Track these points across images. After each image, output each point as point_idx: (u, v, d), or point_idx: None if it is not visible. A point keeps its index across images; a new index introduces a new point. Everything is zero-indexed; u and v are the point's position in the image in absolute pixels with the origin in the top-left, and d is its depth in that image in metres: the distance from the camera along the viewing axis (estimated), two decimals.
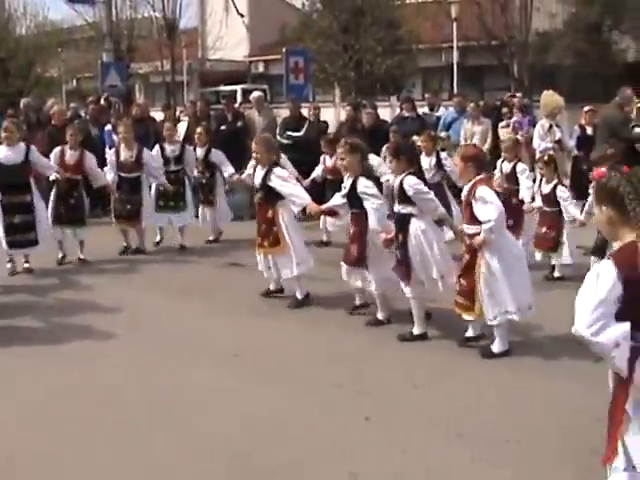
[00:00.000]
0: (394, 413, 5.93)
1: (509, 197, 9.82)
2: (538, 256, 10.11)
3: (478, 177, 7.01)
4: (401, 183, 7.49)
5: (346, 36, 27.63)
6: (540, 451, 5.26)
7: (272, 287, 9.30)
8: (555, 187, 10.01)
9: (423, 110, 16.15)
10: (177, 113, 20.24)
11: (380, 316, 8.12)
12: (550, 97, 14.13)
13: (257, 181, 8.96)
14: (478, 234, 6.94)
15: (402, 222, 7.57)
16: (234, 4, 37.94)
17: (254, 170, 9.15)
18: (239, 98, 28.85)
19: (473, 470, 5.05)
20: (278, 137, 14.39)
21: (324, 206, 8.74)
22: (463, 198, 7.18)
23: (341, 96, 29.28)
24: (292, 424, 5.73)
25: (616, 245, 3.79)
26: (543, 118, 14.02)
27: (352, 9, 27.37)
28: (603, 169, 4.23)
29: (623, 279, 3.57)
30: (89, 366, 6.96)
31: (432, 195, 7.64)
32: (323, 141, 12.20)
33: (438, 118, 15.50)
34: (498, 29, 28.37)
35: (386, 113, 16.58)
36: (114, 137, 13.81)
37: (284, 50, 21.69)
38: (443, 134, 14.84)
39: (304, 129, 14.81)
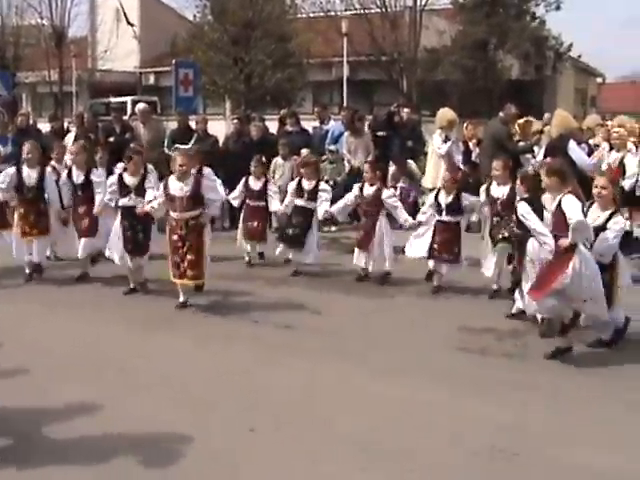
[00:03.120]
0: (281, 424, 5.91)
1: None
2: None
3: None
4: None
5: (236, 49, 27.60)
6: (440, 462, 5.34)
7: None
8: (379, 190, 10.43)
9: (313, 124, 16.23)
10: (65, 124, 19.83)
11: None
12: (445, 111, 14.55)
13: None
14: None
15: None
16: (125, 14, 37.44)
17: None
18: (129, 110, 28.46)
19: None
20: (166, 150, 14.26)
21: None
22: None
23: (231, 109, 29.19)
24: (172, 436, 5.66)
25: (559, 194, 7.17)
26: (437, 130, 14.37)
27: (243, 22, 27.34)
28: (553, 160, 7.91)
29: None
30: None
31: None
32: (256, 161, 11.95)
33: (327, 131, 15.59)
34: (388, 45, 28.80)
35: (276, 126, 16.54)
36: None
37: (173, 62, 21.58)
38: (332, 147, 14.97)
39: (192, 142, 14.71)
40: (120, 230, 9.84)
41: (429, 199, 10.27)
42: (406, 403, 6.34)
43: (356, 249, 10.59)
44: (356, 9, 29.42)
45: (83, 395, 6.39)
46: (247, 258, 11.65)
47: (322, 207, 10.79)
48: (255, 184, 11.63)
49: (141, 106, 16.56)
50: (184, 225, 8.97)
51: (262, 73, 27.24)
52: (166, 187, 9.13)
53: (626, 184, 11.61)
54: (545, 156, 12.32)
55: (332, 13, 29.69)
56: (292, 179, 12.33)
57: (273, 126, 16.62)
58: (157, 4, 38.59)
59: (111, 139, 14.94)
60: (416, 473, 5.17)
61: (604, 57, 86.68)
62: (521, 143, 13.97)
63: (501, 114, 14.02)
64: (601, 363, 7.27)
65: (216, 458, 5.36)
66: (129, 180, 9.87)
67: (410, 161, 15.32)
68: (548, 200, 7.69)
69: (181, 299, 9.20)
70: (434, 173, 14.04)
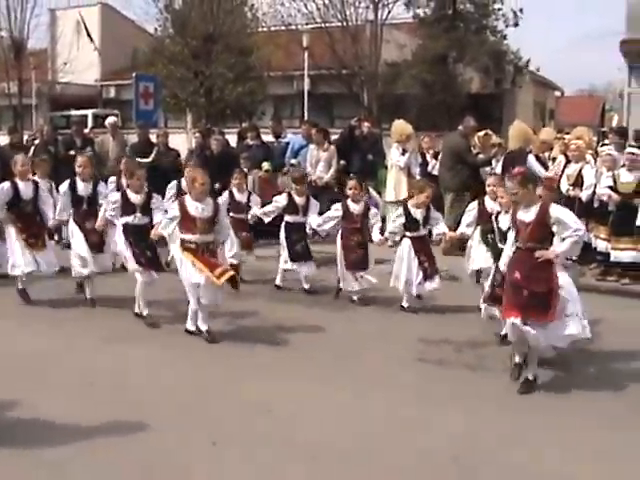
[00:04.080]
0: (244, 437, 5.91)
1: None
2: None
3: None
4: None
5: (197, 62, 27.54)
6: (387, 468, 5.37)
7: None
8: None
9: (269, 138, 16.23)
10: (25, 137, 19.68)
11: None
12: (401, 124, 14.66)
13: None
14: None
15: None
16: (85, 27, 37.31)
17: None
18: (90, 123, 28.33)
19: None
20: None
21: None
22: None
23: (192, 122, 29.13)
24: (134, 449, 5.63)
25: (534, 205, 6.94)
26: (394, 144, 14.49)
27: (203, 35, 27.29)
28: (521, 168, 7.40)
29: None
30: None
31: None
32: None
33: (287, 144, 15.62)
34: (349, 58, 28.88)
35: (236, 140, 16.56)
36: None
37: (134, 75, 21.52)
38: (293, 161, 15.00)
39: (152, 155, 14.69)
40: (127, 247, 9.32)
41: (398, 214, 10.22)
42: (363, 414, 6.37)
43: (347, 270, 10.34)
44: (317, 23, 29.49)
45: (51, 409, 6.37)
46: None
47: (314, 220, 10.80)
48: (241, 197, 11.59)
49: (111, 120, 16.58)
50: (205, 249, 8.47)
51: (223, 87, 27.21)
52: (183, 207, 8.54)
53: (584, 195, 11.75)
54: (503, 168, 12.47)
55: (293, 27, 29.71)
56: (252, 192, 12.37)
57: (234, 140, 16.62)
58: (118, 17, 38.45)
59: (72, 152, 14.86)
60: None
61: (562, 71, 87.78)
62: (480, 156, 14.13)
63: (460, 127, 14.19)
64: (558, 374, 7.38)
65: (178, 470, 5.37)
66: (134, 198, 9.41)
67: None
68: (517, 213, 7.10)
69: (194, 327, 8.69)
70: (395, 186, 14.15)
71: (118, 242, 9.52)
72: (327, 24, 29.24)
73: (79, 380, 7.17)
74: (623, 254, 11.53)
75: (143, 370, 7.56)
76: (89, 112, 31.44)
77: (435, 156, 14.80)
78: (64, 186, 10.19)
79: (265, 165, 14.41)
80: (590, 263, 11.96)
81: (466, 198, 12.58)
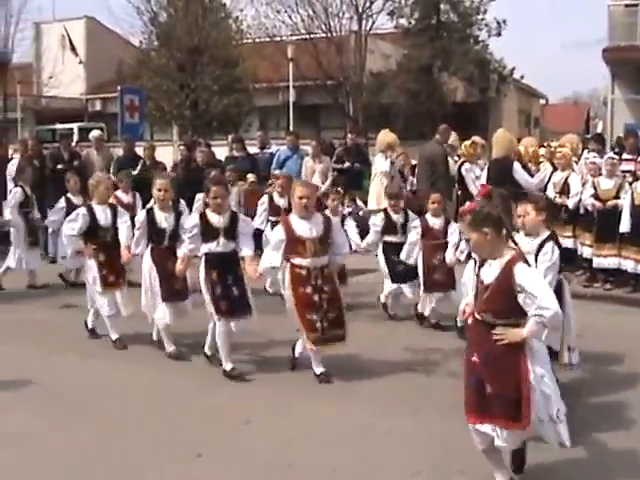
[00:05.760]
0: (226, 448, 5.91)
1: None
2: None
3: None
4: None
5: (183, 75, 27.56)
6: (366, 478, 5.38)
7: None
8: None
9: (254, 149, 16.23)
10: (10, 152, 19.61)
11: None
12: (385, 134, 14.72)
13: (107, 221, 8.99)
14: None
15: None
16: (70, 40, 37.26)
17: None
18: (75, 136, 28.25)
19: None
20: (112, 177, 14.15)
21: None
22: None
23: (178, 135, 29.12)
24: (117, 461, 5.62)
25: (499, 259, 4.87)
26: (379, 154, 14.52)
27: (189, 48, 27.30)
28: (473, 204, 5.64)
29: None
30: None
31: None
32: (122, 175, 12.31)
33: (272, 155, 15.63)
34: (334, 69, 29.00)
35: (223, 152, 16.55)
36: None
37: (119, 88, 21.54)
38: (277, 172, 14.97)
39: (138, 168, 14.67)
40: (207, 286, 7.65)
41: (377, 221, 10.20)
42: (347, 425, 6.38)
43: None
44: (302, 34, 29.59)
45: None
46: None
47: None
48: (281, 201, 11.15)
49: (96, 133, 16.59)
50: (319, 274, 7.48)
51: (209, 99, 27.21)
52: (289, 227, 7.50)
53: (570, 203, 11.83)
54: (488, 176, 12.52)
55: (278, 38, 29.78)
56: (239, 204, 12.37)
57: (220, 152, 16.61)
58: (103, 30, 38.35)
59: (59, 166, 14.84)
60: None
61: (546, 79, 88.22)
62: (467, 164, 14.09)
63: (437, 136, 14.14)
64: None
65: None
66: (216, 220, 7.72)
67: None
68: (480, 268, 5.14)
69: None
70: (378, 195, 14.17)
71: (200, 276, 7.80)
72: (312, 35, 29.36)
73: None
74: (606, 260, 11.64)
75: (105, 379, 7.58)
76: (75, 126, 31.34)
77: (412, 172, 14.90)
78: (141, 215, 8.65)
79: (250, 177, 14.40)
80: (577, 270, 12.04)
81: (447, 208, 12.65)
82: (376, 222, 10.21)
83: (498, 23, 28.94)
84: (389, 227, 10.00)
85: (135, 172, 14.38)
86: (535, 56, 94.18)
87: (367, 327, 9.48)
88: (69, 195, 11.73)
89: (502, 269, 4.81)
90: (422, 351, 8.48)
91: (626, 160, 12.56)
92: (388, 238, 10.03)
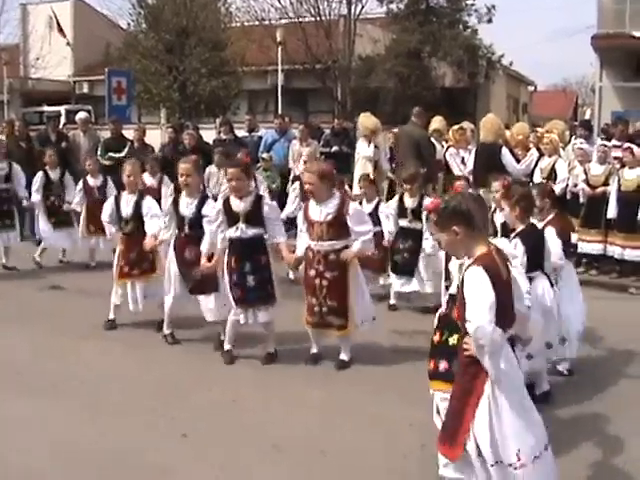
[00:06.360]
0: (212, 429, 5.92)
1: None
2: None
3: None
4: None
5: (171, 57, 27.40)
6: (355, 459, 5.39)
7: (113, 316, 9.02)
8: (377, 206, 10.19)
9: (243, 132, 16.20)
10: None
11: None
12: (366, 118, 14.64)
13: (128, 210, 8.85)
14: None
15: None
16: (57, 22, 36.94)
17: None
18: (63, 119, 28.09)
19: None
20: (99, 159, 14.12)
21: None
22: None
23: (166, 117, 28.98)
24: (104, 444, 5.63)
25: (468, 260, 4.17)
26: (361, 138, 14.50)
27: (177, 30, 27.15)
28: (437, 199, 5.06)
29: (491, 283, 3.96)
30: None
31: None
32: (149, 159, 12.18)
33: (260, 138, 15.60)
34: (322, 53, 28.88)
35: (211, 135, 16.51)
36: None
37: (106, 70, 21.44)
38: (265, 155, 14.96)
39: (125, 150, 14.63)
40: (226, 274, 7.65)
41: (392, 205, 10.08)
42: (336, 408, 6.41)
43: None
44: (290, 18, 29.43)
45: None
46: None
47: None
48: None
49: (82, 115, 16.54)
50: (322, 259, 7.42)
51: (197, 81, 27.10)
52: (305, 211, 7.52)
53: (557, 189, 11.85)
54: (475, 160, 12.54)
55: (267, 21, 29.63)
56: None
57: (208, 135, 16.57)
58: (91, 12, 38.11)
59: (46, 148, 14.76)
60: (345, 474, 5.23)
61: (535, 66, 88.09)
62: (452, 150, 14.08)
63: (414, 119, 13.97)
64: None
65: (149, 460, 5.40)
66: (237, 205, 7.59)
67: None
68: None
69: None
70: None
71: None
72: (301, 19, 29.20)
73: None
74: (590, 246, 11.72)
75: (98, 363, 7.62)
76: (62, 108, 31.14)
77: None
78: (168, 201, 8.67)
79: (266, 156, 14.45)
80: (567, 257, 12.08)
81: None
82: (391, 205, 10.11)
83: (488, 9, 28.94)
84: (400, 211, 9.90)
85: (122, 154, 14.36)
86: (524, 43, 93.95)
87: None
88: (47, 169, 12.20)
89: (462, 275, 4.23)
90: (408, 333, 8.51)
91: (614, 147, 12.64)
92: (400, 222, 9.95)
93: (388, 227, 9.90)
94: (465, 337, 4.19)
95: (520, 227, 6.41)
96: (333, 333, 7.60)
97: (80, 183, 12.21)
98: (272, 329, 7.78)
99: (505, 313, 4.08)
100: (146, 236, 8.58)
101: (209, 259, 7.71)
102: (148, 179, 11.78)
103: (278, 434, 5.84)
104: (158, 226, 8.44)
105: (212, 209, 7.81)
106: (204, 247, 7.75)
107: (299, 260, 7.62)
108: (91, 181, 12.15)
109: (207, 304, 8.07)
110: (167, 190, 11.24)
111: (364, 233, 7.36)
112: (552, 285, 6.55)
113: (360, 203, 10.05)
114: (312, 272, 7.42)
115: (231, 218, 7.55)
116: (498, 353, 4.05)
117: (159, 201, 9.52)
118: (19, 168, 12.32)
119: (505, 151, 12.43)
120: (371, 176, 12.16)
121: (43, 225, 12.26)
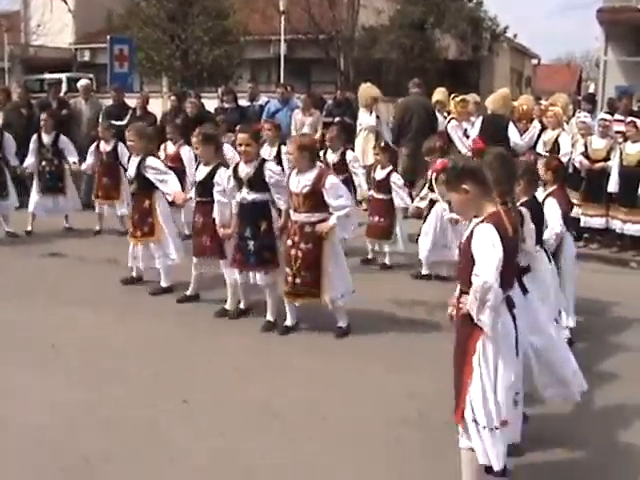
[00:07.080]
0: (212, 396, 5.95)
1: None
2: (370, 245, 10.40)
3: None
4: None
5: (173, 25, 27.30)
6: (355, 426, 5.45)
7: (134, 275, 9.30)
8: (389, 174, 10.14)
9: (244, 101, 16.10)
10: None
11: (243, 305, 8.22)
12: (366, 89, 14.61)
13: (131, 171, 8.96)
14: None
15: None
16: None
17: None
18: (64, 86, 27.98)
19: (292, 449, 5.17)
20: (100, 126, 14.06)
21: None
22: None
23: (168, 86, 28.87)
24: (104, 409, 5.67)
25: (476, 219, 4.19)
26: (362, 109, 14.45)
27: None
28: (444, 160, 5.14)
29: (500, 240, 4.03)
30: None
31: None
32: (170, 127, 12.08)
33: (261, 107, 15.52)
34: (326, 23, 28.76)
35: (213, 104, 16.42)
36: None
37: (109, 38, 21.33)
38: (267, 125, 14.87)
39: (127, 118, 14.57)
40: (235, 237, 7.84)
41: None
42: (335, 376, 6.44)
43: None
44: None
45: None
46: None
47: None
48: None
49: (83, 82, 16.44)
50: (298, 230, 7.42)
51: (199, 50, 27.02)
52: (288, 181, 7.50)
53: None
54: (481, 131, 12.49)
55: None
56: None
57: (210, 104, 16.48)
58: None
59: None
60: (345, 441, 5.27)
61: (539, 39, 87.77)
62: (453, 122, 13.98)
63: (417, 89, 13.94)
64: None
65: (149, 425, 5.44)
66: (243, 170, 7.72)
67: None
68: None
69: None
70: (363, 151, 14.12)
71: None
72: None
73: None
74: (593, 220, 11.74)
75: (95, 330, 7.67)
76: (63, 76, 30.99)
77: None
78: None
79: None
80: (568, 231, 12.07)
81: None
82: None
83: None
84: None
85: (124, 122, 14.29)
86: (528, 15, 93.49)
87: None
88: (41, 132, 12.21)
89: (470, 230, 4.24)
90: (407, 303, 8.53)
91: (617, 121, 12.59)
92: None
93: (401, 196, 10.00)
94: (463, 297, 4.17)
95: (523, 199, 6.36)
96: (308, 300, 7.56)
97: (92, 146, 12.18)
98: (274, 296, 7.80)
99: (507, 273, 4.11)
100: (148, 196, 8.85)
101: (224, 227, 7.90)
102: (170, 147, 11.75)
103: (278, 401, 5.87)
104: (177, 181, 8.72)
105: (222, 177, 7.90)
106: (216, 215, 7.92)
107: (281, 228, 7.80)
108: (102, 145, 12.14)
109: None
110: (189, 156, 11.03)
111: (340, 207, 7.30)
112: (550, 261, 6.53)
113: (374, 170, 10.17)
114: (289, 242, 7.49)
115: (237, 183, 7.70)
116: (497, 311, 4.02)
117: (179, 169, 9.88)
118: (9, 136, 12.29)
119: (512, 126, 12.39)
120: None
121: (33, 193, 12.27)
